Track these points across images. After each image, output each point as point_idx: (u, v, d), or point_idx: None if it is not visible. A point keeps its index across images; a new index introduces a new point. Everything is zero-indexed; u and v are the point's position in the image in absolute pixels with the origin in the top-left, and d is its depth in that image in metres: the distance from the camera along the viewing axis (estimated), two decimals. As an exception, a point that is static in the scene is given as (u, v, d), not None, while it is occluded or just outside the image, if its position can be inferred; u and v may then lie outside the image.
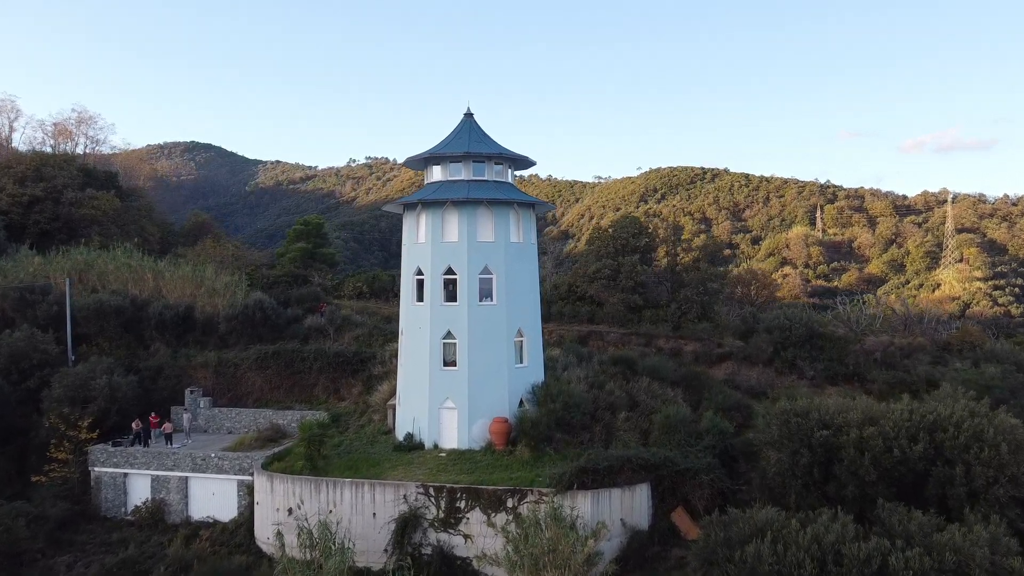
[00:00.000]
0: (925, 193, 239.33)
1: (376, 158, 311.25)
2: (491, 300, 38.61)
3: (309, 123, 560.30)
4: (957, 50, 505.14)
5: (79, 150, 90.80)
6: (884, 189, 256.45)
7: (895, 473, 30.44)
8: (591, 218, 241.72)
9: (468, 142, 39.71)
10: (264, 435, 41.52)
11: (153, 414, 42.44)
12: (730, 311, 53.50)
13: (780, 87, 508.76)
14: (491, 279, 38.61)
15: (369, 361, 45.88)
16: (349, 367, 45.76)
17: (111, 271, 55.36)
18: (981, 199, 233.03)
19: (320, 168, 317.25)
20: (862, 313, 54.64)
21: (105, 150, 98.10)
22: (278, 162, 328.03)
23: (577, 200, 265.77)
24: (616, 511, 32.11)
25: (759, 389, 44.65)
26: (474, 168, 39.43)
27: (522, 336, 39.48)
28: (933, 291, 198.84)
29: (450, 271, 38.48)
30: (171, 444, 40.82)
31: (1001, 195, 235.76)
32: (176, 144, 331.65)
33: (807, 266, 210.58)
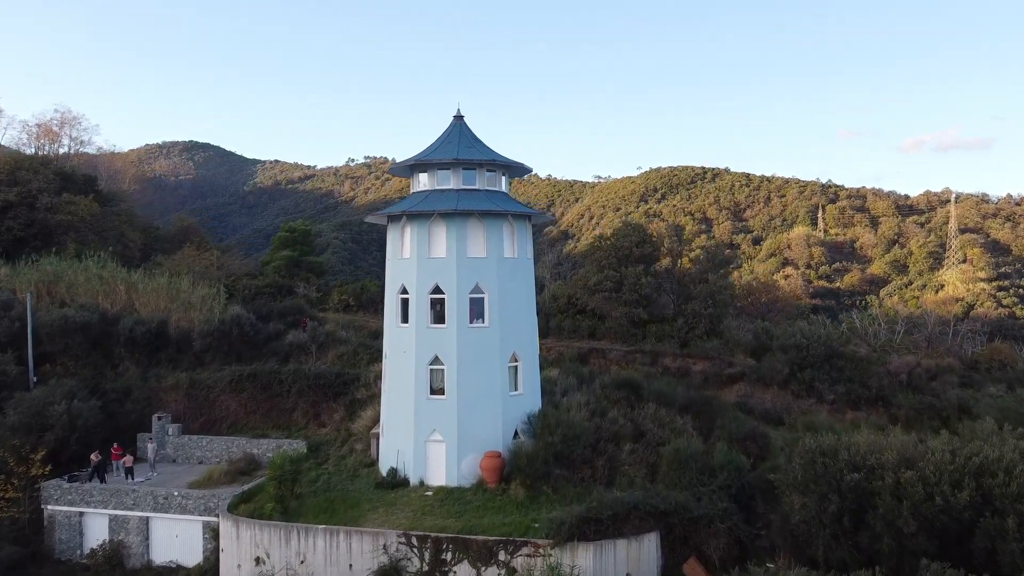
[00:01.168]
0: (927, 193, 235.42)
1: (375, 157, 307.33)
2: (482, 322, 34.77)
3: (308, 122, 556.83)
4: (957, 49, 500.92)
5: (63, 151, 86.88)
6: (886, 189, 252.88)
7: (937, 523, 26.59)
8: (591, 218, 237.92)
9: (457, 148, 35.82)
10: (236, 467, 37.68)
11: (115, 445, 38.60)
12: (740, 326, 49.61)
13: (780, 86, 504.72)
14: (483, 298, 34.76)
15: (352, 384, 42.05)
16: (331, 390, 41.91)
17: (81, 283, 51.46)
18: (984, 199, 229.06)
19: (319, 167, 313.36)
20: (880, 327, 50.75)
21: (91, 151, 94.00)
22: (277, 161, 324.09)
23: (577, 200, 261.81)
24: (622, 565, 28.29)
25: (775, 414, 40.82)
26: (464, 176, 35.57)
27: (517, 360, 35.62)
28: (936, 292, 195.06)
29: (437, 290, 34.63)
30: (132, 479, 36.97)
31: (1004, 195, 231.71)
32: (174, 143, 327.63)
33: (809, 267, 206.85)
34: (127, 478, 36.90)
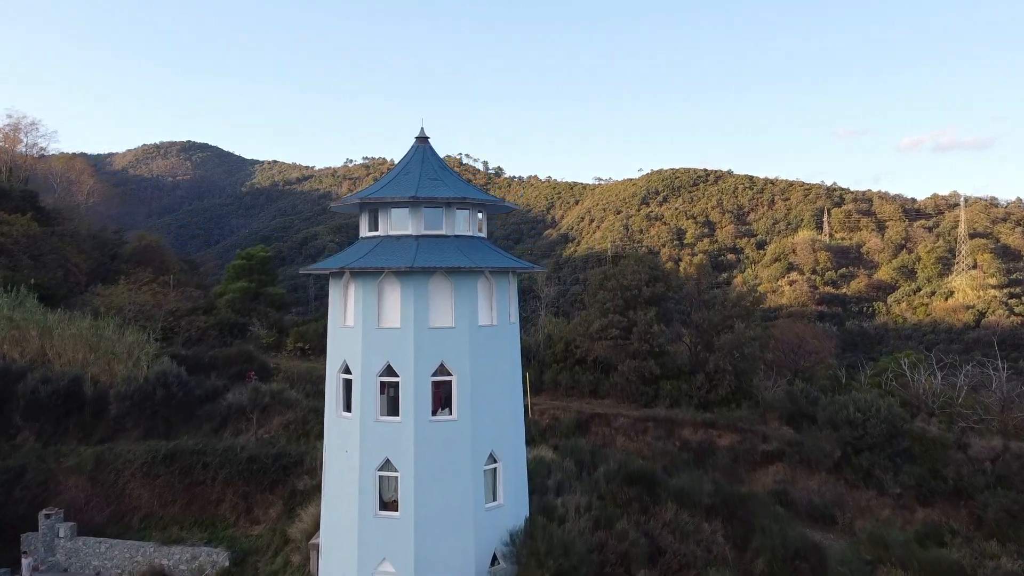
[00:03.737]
0: (935, 196, 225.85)
1: (373, 158, 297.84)
2: (449, 413, 25.52)
3: (307, 122, 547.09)
4: (956, 49, 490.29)
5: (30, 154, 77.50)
6: (886, 189, 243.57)
7: None
8: (591, 221, 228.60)
9: (418, 180, 26.54)
10: (138, 586, 28.58)
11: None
12: (775, 385, 40.28)
13: (780, 86, 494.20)
14: (450, 382, 25.51)
15: (294, 469, 32.88)
16: (266, 477, 32.76)
17: (-15, 328, 42.30)
18: (993, 202, 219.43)
19: (317, 168, 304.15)
20: (936, 383, 41.39)
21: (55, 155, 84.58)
22: (275, 162, 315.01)
23: (577, 202, 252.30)
24: None
25: (823, 510, 31.69)
26: (426, 218, 26.29)
27: (496, 461, 26.38)
28: (946, 299, 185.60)
29: (389, 371, 25.38)
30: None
31: (1014, 198, 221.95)
32: (172, 144, 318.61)
33: (814, 272, 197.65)
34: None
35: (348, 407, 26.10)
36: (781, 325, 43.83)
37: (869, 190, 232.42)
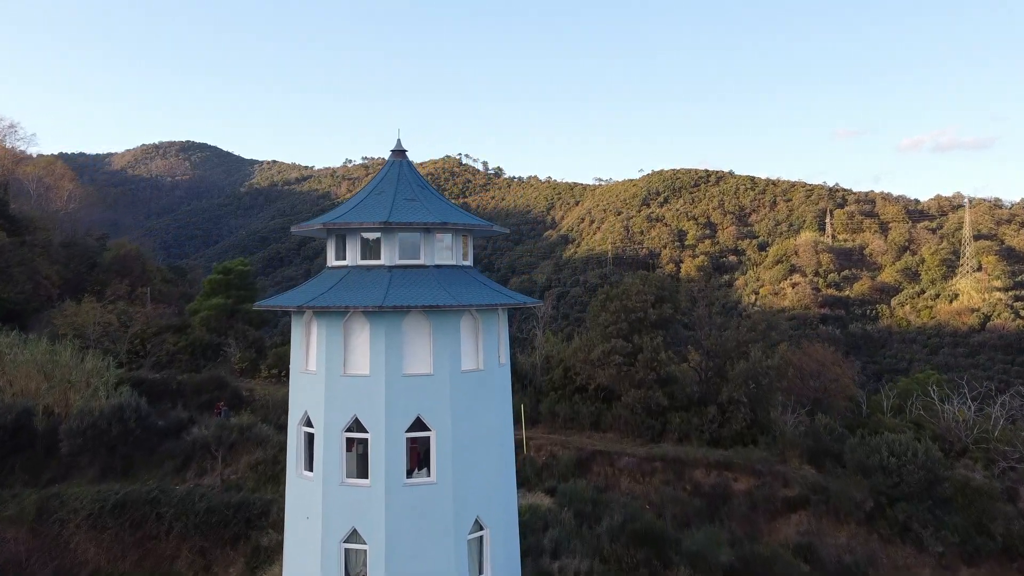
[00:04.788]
0: (938, 197, 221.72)
1: (372, 158, 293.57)
2: (427, 474, 21.61)
3: (307, 122, 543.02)
4: (955, 49, 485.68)
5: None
6: (886, 189, 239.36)
7: None
8: (591, 222, 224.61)
9: (392, 202, 22.61)
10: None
11: None
12: (793, 417, 36.18)
13: (780, 86, 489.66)
14: (428, 438, 21.60)
15: (258, 521, 28.97)
16: (228, 531, 28.89)
17: (-68, 353, 38.40)
18: (997, 204, 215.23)
19: (317, 168, 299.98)
20: (969, 414, 37.37)
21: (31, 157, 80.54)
22: (274, 162, 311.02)
23: (577, 203, 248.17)
24: None
25: (855, 569, 27.85)
26: (401, 245, 22.36)
27: (483, 528, 22.45)
28: (951, 302, 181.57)
29: (357, 425, 21.47)
30: None
31: (1019, 199, 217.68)
32: (171, 144, 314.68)
33: (817, 274, 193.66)
34: None
35: (310, 466, 22.18)
36: (798, 350, 39.79)
37: (872, 191, 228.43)
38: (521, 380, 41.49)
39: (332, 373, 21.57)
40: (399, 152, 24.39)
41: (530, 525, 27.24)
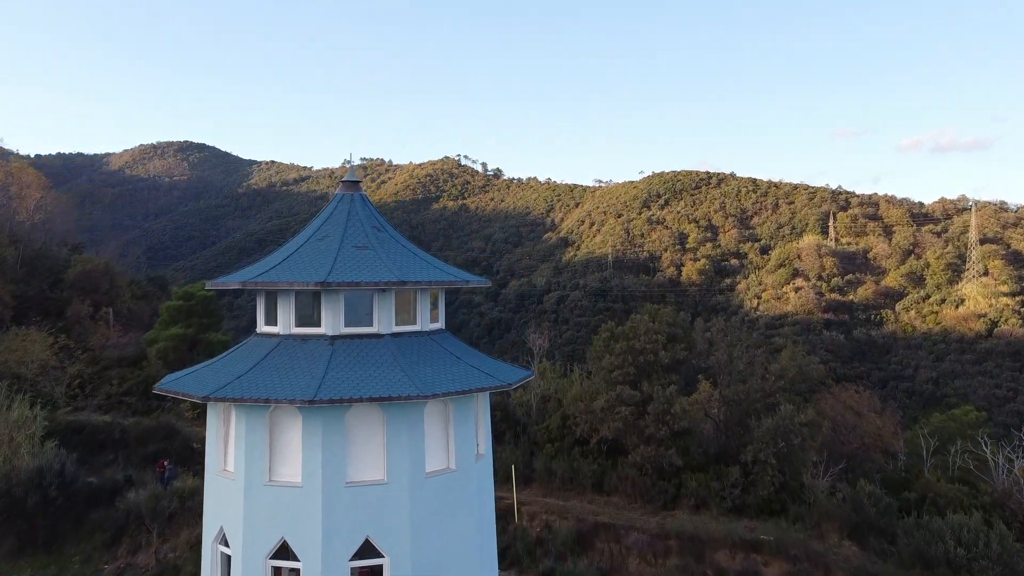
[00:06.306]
0: (943, 200, 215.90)
1: (371, 159, 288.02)
2: (380, 615, 16.15)
3: (306, 122, 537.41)
4: (955, 50, 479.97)
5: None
6: (887, 190, 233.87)
7: None
8: (591, 224, 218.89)
9: (336, 252, 17.10)
10: None
11: None
12: (829, 484, 30.60)
13: (779, 86, 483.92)
14: (381, 567, 16.13)
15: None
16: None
17: None
18: (1002, 207, 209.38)
19: (315, 168, 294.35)
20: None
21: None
22: (273, 162, 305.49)
23: (577, 205, 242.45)
24: None
25: None
26: (348, 308, 16.91)
27: None
28: (957, 307, 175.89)
29: (285, 550, 16.00)
30: None
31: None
32: (169, 144, 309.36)
33: (820, 278, 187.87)
34: None
35: (227, 597, 16.74)
36: (830, 396, 34.39)
37: (875, 193, 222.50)
38: (513, 427, 36.02)
39: (253, 480, 16.10)
40: (351, 184, 18.86)
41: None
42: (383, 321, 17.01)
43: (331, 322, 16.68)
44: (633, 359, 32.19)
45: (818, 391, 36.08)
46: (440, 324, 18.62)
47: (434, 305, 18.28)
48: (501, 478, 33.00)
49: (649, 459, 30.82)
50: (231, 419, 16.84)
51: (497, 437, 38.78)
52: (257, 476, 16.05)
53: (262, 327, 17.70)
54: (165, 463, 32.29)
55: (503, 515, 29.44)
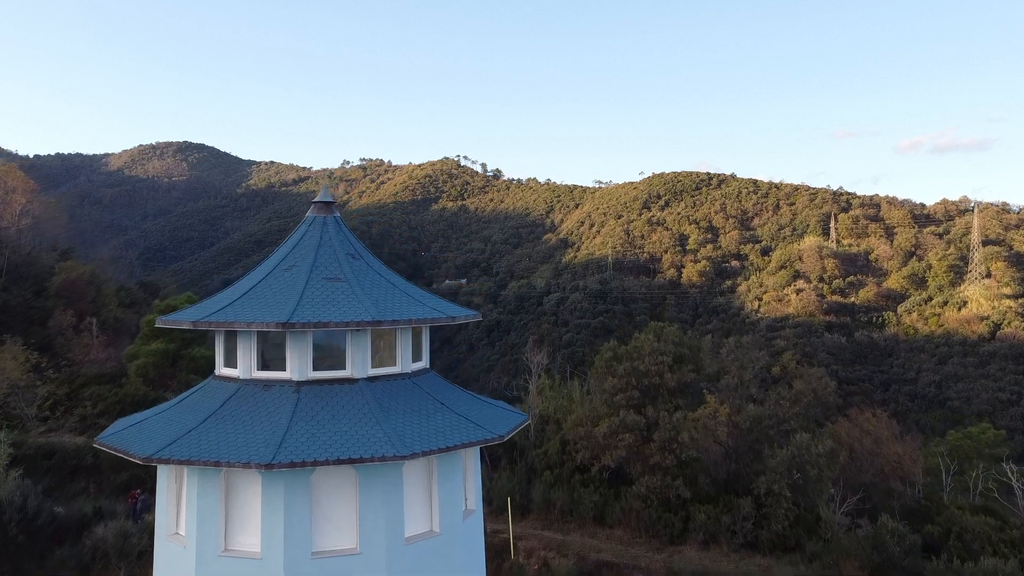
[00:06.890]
0: (944, 201, 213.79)
1: (370, 159, 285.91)
2: None
3: (305, 123, 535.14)
4: (954, 51, 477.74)
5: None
6: (887, 190, 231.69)
7: None
8: (591, 225, 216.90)
9: (303, 286, 14.90)
10: None
11: None
12: (847, 517, 28.45)
13: (779, 87, 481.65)
14: (353, 650, 13.95)
15: None
16: None
17: None
18: (1004, 208, 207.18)
19: (315, 169, 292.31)
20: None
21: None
22: (272, 162, 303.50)
23: (577, 205, 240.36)
24: None
25: None
26: (317, 349, 14.74)
27: None
28: (959, 309, 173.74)
29: (243, 631, 13.82)
30: None
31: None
32: (168, 144, 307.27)
33: (821, 280, 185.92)
34: None
35: None
36: (847, 421, 32.16)
37: (876, 195, 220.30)
38: (510, 451, 33.84)
39: (206, 549, 13.91)
40: (323, 205, 16.68)
41: None
42: (357, 363, 14.84)
43: (297, 365, 14.51)
44: (637, 382, 30.04)
45: (833, 415, 33.94)
46: (424, 363, 16.46)
47: (417, 343, 16.11)
48: (496, 508, 30.90)
49: (654, 490, 28.68)
50: (181, 482, 14.68)
51: (493, 462, 36.69)
52: (211, 545, 13.87)
53: (220, 369, 15.53)
54: (137, 493, 30.15)
55: (498, 552, 27.29)
